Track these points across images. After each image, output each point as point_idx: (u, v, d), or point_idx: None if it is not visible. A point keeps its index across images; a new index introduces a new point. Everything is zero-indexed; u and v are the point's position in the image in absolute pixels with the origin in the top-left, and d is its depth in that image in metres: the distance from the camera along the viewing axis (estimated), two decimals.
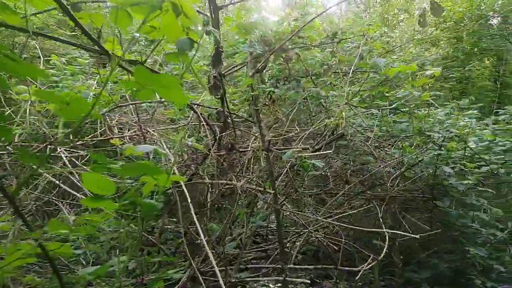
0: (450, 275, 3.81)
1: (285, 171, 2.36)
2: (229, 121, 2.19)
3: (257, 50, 2.57)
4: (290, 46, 3.28)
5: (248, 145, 2.60)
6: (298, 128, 3.05)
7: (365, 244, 4.19)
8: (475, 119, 4.67)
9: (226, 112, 2.21)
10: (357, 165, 4.18)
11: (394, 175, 3.77)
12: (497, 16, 7.79)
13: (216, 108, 2.37)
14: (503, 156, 4.23)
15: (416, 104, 3.42)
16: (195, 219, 1.73)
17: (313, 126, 3.08)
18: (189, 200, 1.88)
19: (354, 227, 2.27)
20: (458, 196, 4.02)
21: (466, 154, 4.14)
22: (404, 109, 3.73)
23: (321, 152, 2.22)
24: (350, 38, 3.04)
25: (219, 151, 2.56)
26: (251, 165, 2.52)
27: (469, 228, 3.99)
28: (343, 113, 2.68)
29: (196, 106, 2.30)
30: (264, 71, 4.38)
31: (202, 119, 2.14)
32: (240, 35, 2.66)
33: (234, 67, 2.88)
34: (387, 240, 3.22)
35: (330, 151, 2.39)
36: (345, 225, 2.24)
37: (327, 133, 2.76)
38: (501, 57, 7.97)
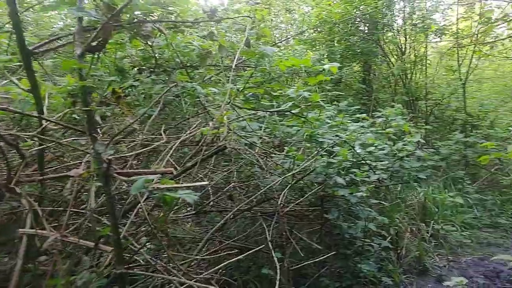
0: None
1: (137, 209, 1.48)
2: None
3: (91, 17, 1.61)
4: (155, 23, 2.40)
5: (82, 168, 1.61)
6: (165, 137, 2.18)
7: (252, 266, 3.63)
8: (360, 123, 4.52)
9: None
10: (242, 177, 3.55)
11: (286, 189, 3.21)
12: (366, 22, 8.20)
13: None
14: (387, 162, 4.11)
15: (308, 106, 2.90)
16: None
17: (186, 134, 2.25)
18: None
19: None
20: (346, 206, 3.73)
21: (353, 160, 3.89)
22: (295, 111, 3.19)
23: (193, 184, 1.42)
24: (234, 18, 2.32)
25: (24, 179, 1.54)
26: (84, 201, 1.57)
27: (357, 240, 3.75)
28: (225, 117, 1.93)
29: None
30: (124, 58, 3.36)
31: None
32: None
33: (51, 40, 1.83)
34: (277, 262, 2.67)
35: (206, 182, 1.61)
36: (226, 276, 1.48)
37: (204, 144, 1.99)
38: (369, 62, 8.44)
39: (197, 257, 2.12)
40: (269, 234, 3.01)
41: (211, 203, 3.40)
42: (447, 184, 6.17)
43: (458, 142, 6.44)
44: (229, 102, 2.40)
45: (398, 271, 3.95)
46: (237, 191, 3.64)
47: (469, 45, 7.21)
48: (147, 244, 2.83)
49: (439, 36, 8.21)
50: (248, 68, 3.99)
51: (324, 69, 2.39)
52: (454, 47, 7.40)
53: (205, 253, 3.11)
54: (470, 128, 7.59)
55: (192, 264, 3.12)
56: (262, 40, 3.37)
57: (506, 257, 1.64)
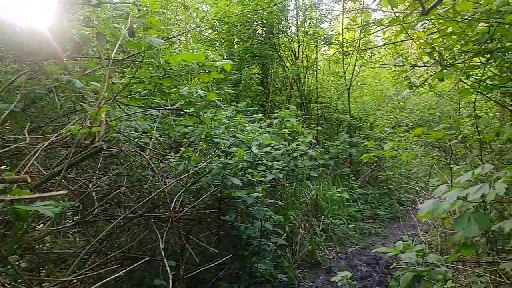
0: None
1: None
2: None
3: None
4: None
5: None
6: (28, 137, 1.81)
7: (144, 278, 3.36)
8: (258, 124, 4.57)
9: None
10: (133, 181, 3.24)
11: (180, 192, 3.02)
12: (263, 26, 8.45)
13: None
14: (282, 162, 4.22)
15: (203, 105, 2.78)
16: None
17: (57, 134, 1.92)
18: None
19: None
20: (244, 207, 3.72)
21: (250, 160, 3.91)
22: (189, 110, 3.03)
23: (48, 194, 1.15)
24: (115, 3, 2.05)
25: None
26: None
27: (255, 240, 3.76)
28: (103, 114, 1.68)
29: None
30: None
31: None
32: None
33: None
34: (169, 272, 2.50)
35: (64, 191, 1.35)
36: None
37: (78, 146, 1.70)
38: (266, 64, 8.72)
39: (70, 278, 1.81)
40: (162, 242, 2.80)
41: (96, 211, 3.03)
42: (335, 180, 6.69)
43: (344, 142, 7.03)
44: (112, 98, 2.13)
45: (293, 266, 4.08)
46: (128, 197, 3.33)
47: (352, 52, 7.99)
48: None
49: (327, 44, 8.92)
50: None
51: (217, 66, 2.29)
52: (339, 52, 8.10)
53: (89, 267, 2.76)
54: (354, 130, 8.39)
55: (74, 282, 2.74)
56: (154, 34, 3.14)
57: (383, 249, 1.76)
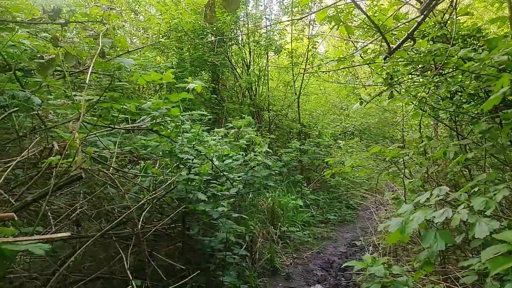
0: None
1: None
2: None
3: None
4: None
5: None
6: None
7: None
8: (216, 135, 4.60)
9: None
10: (93, 200, 3.12)
11: (146, 209, 2.98)
12: (214, 34, 8.48)
13: None
14: (242, 173, 4.31)
15: (167, 122, 2.78)
16: None
17: (20, 156, 1.82)
18: None
19: None
20: (207, 221, 3.74)
21: (212, 172, 3.94)
22: (151, 127, 3.00)
23: (45, 237, 1.13)
24: (83, 22, 2.00)
25: None
26: None
27: (218, 252, 3.80)
28: (78, 140, 1.64)
29: None
30: None
31: None
32: None
33: None
34: None
35: (67, 233, 1.27)
36: None
37: (57, 177, 1.63)
38: (217, 72, 8.75)
39: None
40: (127, 262, 2.74)
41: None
42: (289, 187, 6.91)
43: (296, 150, 7.29)
44: (80, 119, 2.07)
45: (254, 275, 4.18)
46: (87, 216, 3.19)
47: (302, 73, 8.38)
48: None
49: (277, 54, 9.18)
50: (95, 75, 3.56)
51: (188, 89, 2.32)
52: (289, 64, 8.40)
53: None
54: (304, 137, 8.72)
55: None
56: (123, 41, 3.06)
57: (353, 263, 1.92)
